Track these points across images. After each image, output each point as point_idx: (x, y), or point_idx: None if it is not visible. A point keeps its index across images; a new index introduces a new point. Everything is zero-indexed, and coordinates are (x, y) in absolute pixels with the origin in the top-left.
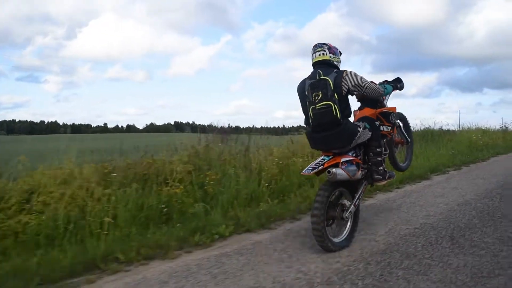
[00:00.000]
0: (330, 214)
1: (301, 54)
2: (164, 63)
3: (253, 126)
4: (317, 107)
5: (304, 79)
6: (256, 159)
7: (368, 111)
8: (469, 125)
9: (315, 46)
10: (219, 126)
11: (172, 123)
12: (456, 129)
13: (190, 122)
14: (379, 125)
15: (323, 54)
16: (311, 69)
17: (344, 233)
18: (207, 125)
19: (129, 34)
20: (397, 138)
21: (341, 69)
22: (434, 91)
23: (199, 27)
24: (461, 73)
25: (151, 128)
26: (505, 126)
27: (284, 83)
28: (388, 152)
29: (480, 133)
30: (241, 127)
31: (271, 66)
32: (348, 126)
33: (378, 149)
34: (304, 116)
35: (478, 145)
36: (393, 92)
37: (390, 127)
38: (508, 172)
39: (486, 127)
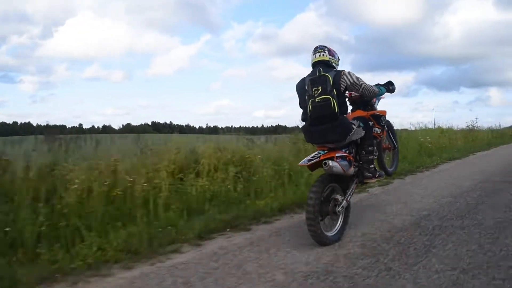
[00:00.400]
0: (323, 209)
1: (280, 54)
2: (144, 63)
3: (232, 126)
4: (316, 100)
5: (303, 78)
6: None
7: (360, 113)
8: (426, 125)
9: (316, 47)
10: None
11: (150, 123)
12: (416, 128)
13: (168, 122)
14: (372, 125)
15: (323, 55)
16: (291, 68)
17: (336, 228)
18: (185, 125)
19: (107, 33)
20: (384, 144)
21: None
22: (411, 90)
23: (179, 26)
24: (438, 73)
25: (127, 129)
26: (472, 125)
27: (264, 82)
28: (378, 154)
29: (438, 134)
30: (220, 127)
31: (251, 66)
32: (344, 121)
33: (370, 148)
34: (301, 113)
35: (427, 148)
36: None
37: (380, 130)
38: (445, 193)
39: (448, 126)
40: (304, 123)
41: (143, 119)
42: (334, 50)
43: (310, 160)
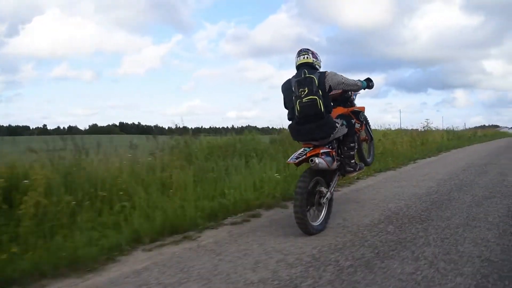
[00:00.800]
0: (309, 200)
1: (253, 55)
2: (114, 62)
3: (202, 126)
4: (303, 101)
5: (289, 79)
6: None
7: (341, 110)
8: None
9: (300, 50)
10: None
11: (117, 123)
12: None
13: (136, 123)
14: (354, 123)
15: (307, 57)
16: (263, 69)
17: (320, 218)
18: (154, 125)
19: (76, 31)
20: (362, 136)
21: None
22: (381, 92)
23: (149, 26)
24: (407, 74)
25: (94, 130)
26: (427, 126)
27: (236, 83)
28: (358, 146)
29: (379, 137)
30: (189, 127)
31: (223, 66)
32: (329, 120)
33: (352, 144)
34: (287, 112)
35: None
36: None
37: (359, 124)
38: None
39: (388, 128)
40: (290, 121)
41: (113, 120)
42: (316, 52)
43: (297, 157)
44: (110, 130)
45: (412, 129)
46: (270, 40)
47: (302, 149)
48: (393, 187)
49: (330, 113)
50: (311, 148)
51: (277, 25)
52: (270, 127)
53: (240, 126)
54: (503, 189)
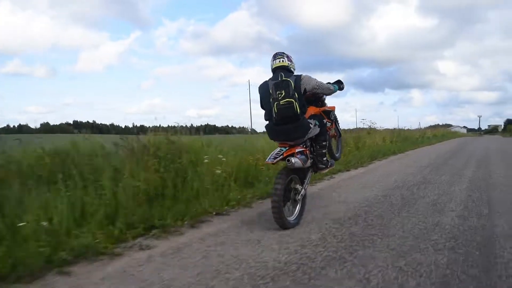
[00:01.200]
0: (286, 196)
1: (213, 53)
2: (70, 58)
3: (160, 125)
4: (281, 103)
5: (266, 81)
6: None
7: (313, 110)
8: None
9: (276, 54)
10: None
11: (71, 122)
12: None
13: (91, 121)
14: (326, 123)
15: (283, 61)
16: (224, 68)
17: (295, 213)
18: (109, 124)
19: (29, 26)
20: (331, 133)
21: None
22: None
23: (107, 21)
24: (365, 74)
25: (46, 128)
26: (371, 125)
27: (196, 81)
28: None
29: None
30: (147, 126)
31: (183, 64)
32: (304, 122)
33: (324, 143)
34: (264, 113)
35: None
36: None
37: (330, 123)
38: None
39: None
40: (267, 122)
41: (69, 118)
42: (291, 56)
43: (275, 157)
44: (63, 129)
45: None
46: (230, 38)
47: (278, 149)
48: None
49: (305, 114)
50: (287, 148)
51: (237, 23)
52: (230, 125)
53: (200, 125)
54: (428, 257)
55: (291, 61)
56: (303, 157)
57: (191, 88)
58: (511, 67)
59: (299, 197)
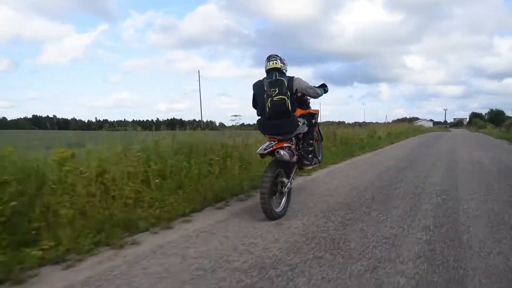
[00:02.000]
0: (273, 189)
1: (182, 46)
2: (33, 51)
3: (124, 119)
4: (274, 99)
5: (261, 80)
6: None
7: (299, 111)
8: None
9: (270, 56)
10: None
11: (30, 117)
12: None
13: (51, 116)
14: (314, 123)
15: (276, 63)
16: (193, 61)
17: (282, 205)
18: (71, 118)
19: None
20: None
21: (288, 75)
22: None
23: (72, 13)
24: (334, 68)
25: (2, 124)
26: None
27: (166, 75)
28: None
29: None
30: (109, 121)
31: (152, 57)
32: (294, 118)
33: (311, 141)
34: (255, 109)
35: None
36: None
37: (315, 125)
38: None
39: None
40: (260, 117)
41: (32, 113)
42: (284, 59)
43: (265, 149)
44: (20, 124)
45: None
46: (199, 31)
47: (268, 143)
48: None
49: (295, 112)
50: (276, 142)
51: (206, 16)
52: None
53: (167, 119)
54: None
55: (283, 63)
56: (290, 152)
57: (161, 82)
58: (475, 62)
59: (286, 189)
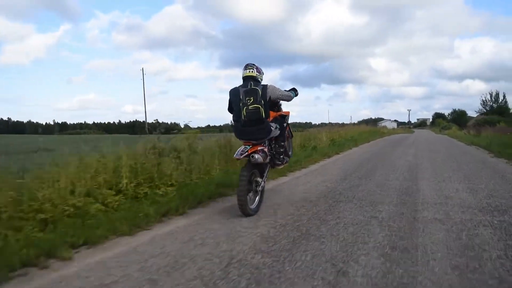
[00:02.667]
0: (248, 188)
1: (148, 47)
2: None
3: (85, 121)
4: (249, 108)
5: (237, 87)
6: None
7: (272, 114)
8: None
9: (247, 65)
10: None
11: None
12: None
13: (6, 119)
14: (285, 126)
15: (252, 71)
16: (160, 62)
17: (256, 202)
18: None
19: None
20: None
21: (263, 83)
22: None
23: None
24: (301, 70)
25: None
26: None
27: (132, 76)
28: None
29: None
30: (69, 123)
31: (118, 58)
32: (268, 125)
33: (282, 143)
34: (231, 114)
35: None
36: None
37: (285, 125)
38: None
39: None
40: (235, 123)
41: None
42: (260, 68)
43: (241, 154)
44: None
45: None
46: (165, 32)
47: (243, 147)
48: None
49: (269, 118)
50: (251, 146)
51: (172, 17)
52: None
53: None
54: None
55: (259, 72)
56: (264, 154)
57: (127, 83)
58: (437, 64)
59: (260, 188)
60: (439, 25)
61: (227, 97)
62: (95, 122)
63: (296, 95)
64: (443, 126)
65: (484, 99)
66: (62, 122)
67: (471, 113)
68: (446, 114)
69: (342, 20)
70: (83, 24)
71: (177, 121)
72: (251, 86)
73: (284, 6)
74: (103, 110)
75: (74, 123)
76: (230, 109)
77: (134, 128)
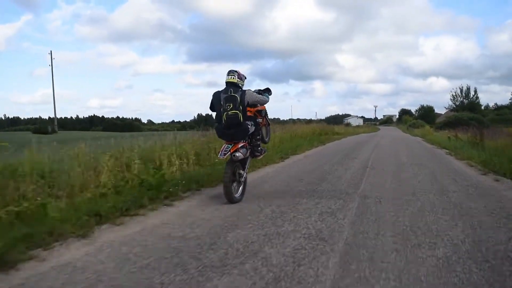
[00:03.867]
0: (232, 179)
1: (113, 40)
2: None
3: (40, 116)
4: (229, 113)
5: (219, 91)
6: None
7: (251, 110)
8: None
9: (230, 71)
10: None
11: None
12: None
13: None
14: (260, 122)
15: (233, 78)
16: (126, 56)
17: (239, 191)
18: None
19: None
20: (262, 123)
21: (244, 88)
22: (247, 82)
23: None
24: (269, 65)
25: None
26: None
27: (97, 69)
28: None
29: None
30: (22, 118)
31: (82, 51)
32: (245, 126)
33: (258, 137)
34: (213, 111)
35: None
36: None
37: (262, 119)
38: None
39: None
40: (217, 124)
41: None
42: (242, 74)
43: (224, 153)
44: None
45: None
46: (131, 24)
47: (225, 146)
48: None
49: (246, 120)
50: (232, 145)
51: (137, 9)
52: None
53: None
54: None
55: (241, 78)
56: (244, 150)
57: (92, 77)
58: (402, 61)
59: (242, 179)
60: (404, 23)
61: (195, 91)
62: (50, 117)
63: (271, 94)
64: (411, 124)
65: (454, 94)
66: (15, 117)
67: (438, 109)
68: (413, 110)
69: (309, 15)
70: (45, 15)
71: (142, 117)
72: (231, 93)
73: (252, 1)
74: (67, 104)
75: (26, 118)
76: (212, 108)
77: (93, 122)
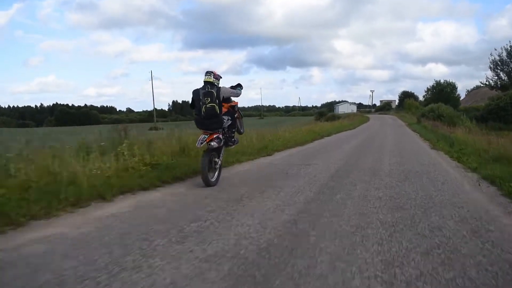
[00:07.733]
0: (209, 166)
1: (105, 27)
2: None
3: (41, 104)
4: (207, 106)
5: (198, 89)
6: None
7: (225, 105)
8: None
9: (207, 72)
10: None
11: None
12: None
13: None
14: (236, 116)
15: (210, 78)
16: (120, 43)
17: (215, 176)
18: None
19: None
20: (238, 115)
21: (219, 86)
22: (243, 69)
23: None
24: (266, 52)
25: None
26: None
27: (92, 57)
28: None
29: None
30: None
31: (75, 39)
32: (221, 118)
33: (233, 129)
34: (193, 109)
35: None
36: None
37: (236, 113)
38: None
39: None
40: (197, 116)
41: None
42: (218, 74)
43: (201, 143)
44: None
45: None
46: (122, 11)
47: (202, 136)
48: None
49: (222, 113)
50: (208, 135)
51: None
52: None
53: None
54: None
55: (216, 78)
56: (219, 140)
57: (87, 65)
58: (400, 47)
59: (217, 166)
60: (402, 8)
61: (191, 79)
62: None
63: (242, 88)
64: (425, 113)
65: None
66: (16, 106)
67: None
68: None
69: (305, 0)
70: (36, 2)
71: (140, 105)
72: (208, 89)
73: None
74: (64, 93)
75: (32, 106)
76: (192, 106)
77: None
